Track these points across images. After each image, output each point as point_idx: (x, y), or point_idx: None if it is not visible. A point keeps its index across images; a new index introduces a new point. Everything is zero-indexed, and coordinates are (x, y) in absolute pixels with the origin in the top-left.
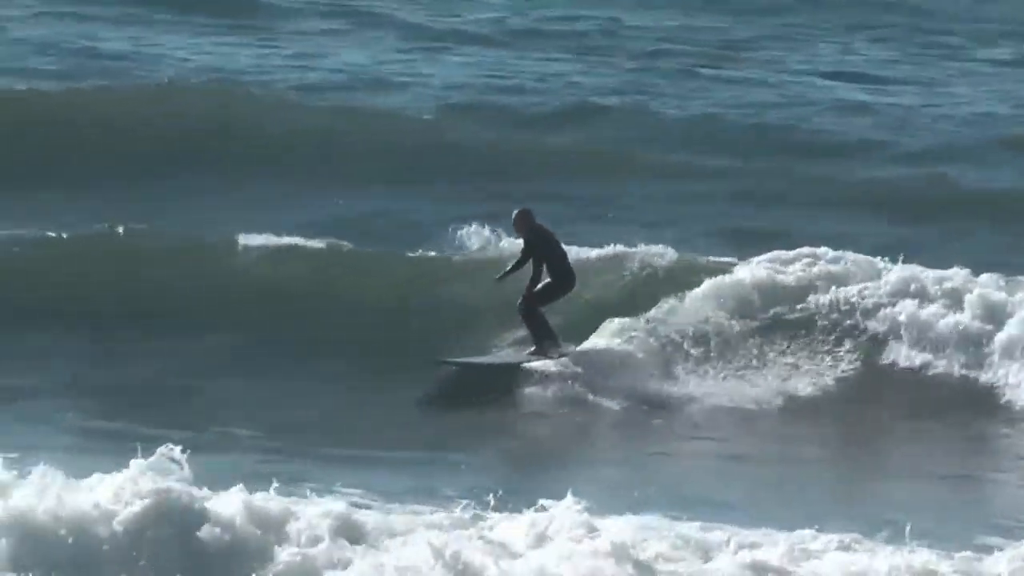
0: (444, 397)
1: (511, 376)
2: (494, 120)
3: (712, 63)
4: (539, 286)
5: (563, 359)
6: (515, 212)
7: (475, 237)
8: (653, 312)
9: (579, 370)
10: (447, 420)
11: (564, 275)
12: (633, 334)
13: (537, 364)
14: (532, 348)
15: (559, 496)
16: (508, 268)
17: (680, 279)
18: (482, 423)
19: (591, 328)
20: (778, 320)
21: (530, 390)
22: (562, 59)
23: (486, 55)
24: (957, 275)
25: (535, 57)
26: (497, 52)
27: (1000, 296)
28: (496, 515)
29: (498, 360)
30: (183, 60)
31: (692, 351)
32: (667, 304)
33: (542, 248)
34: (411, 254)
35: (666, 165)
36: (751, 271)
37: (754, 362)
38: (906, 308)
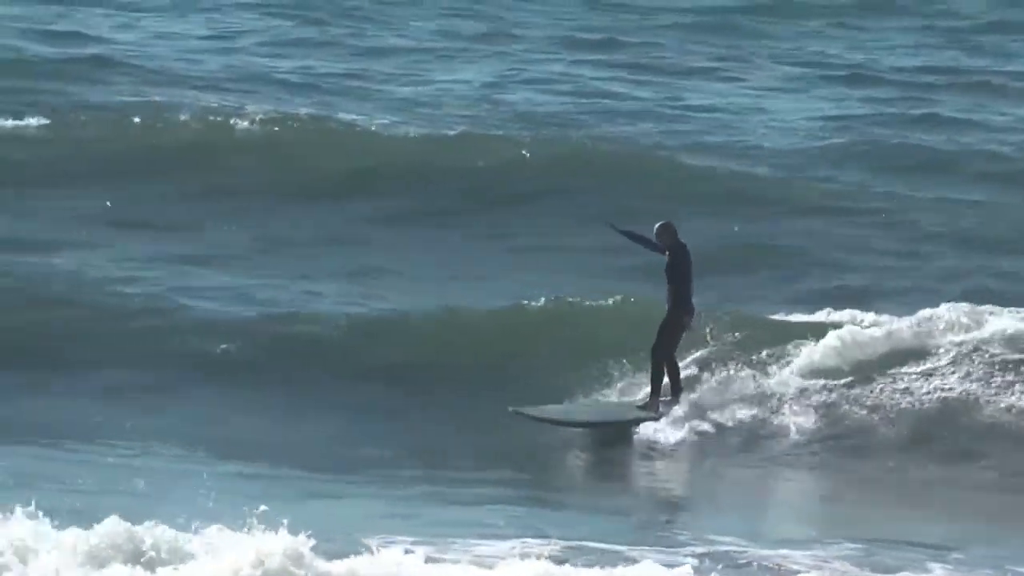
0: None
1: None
2: None
3: None
4: (660, 330)
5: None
6: (658, 224)
7: None
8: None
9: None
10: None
11: (684, 303)
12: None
13: (640, 417)
14: (641, 402)
15: None
16: (635, 233)
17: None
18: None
19: None
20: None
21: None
22: None
23: None
24: None
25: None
26: None
27: None
28: None
29: (598, 418)
30: None
31: None
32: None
33: (677, 267)
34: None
35: None
36: None
37: None
38: None
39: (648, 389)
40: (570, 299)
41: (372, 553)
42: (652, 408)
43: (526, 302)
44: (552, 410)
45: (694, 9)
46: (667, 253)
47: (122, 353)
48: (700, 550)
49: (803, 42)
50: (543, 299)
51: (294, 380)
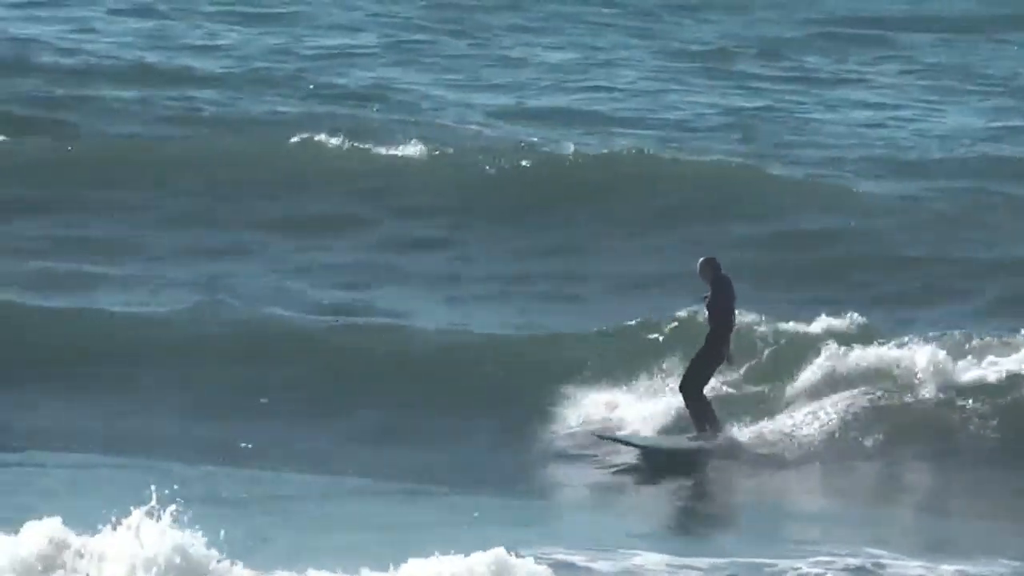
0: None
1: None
2: None
3: None
4: (693, 360)
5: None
6: (701, 259)
7: None
8: None
9: None
10: None
11: (721, 340)
12: None
13: (691, 446)
14: (693, 434)
15: None
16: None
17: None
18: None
19: None
20: None
21: None
22: None
23: None
24: None
25: None
26: None
27: None
28: None
29: (656, 443)
30: None
31: None
32: None
33: (716, 302)
34: None
35: None
36: None
37: None
38: None
39: (696, 425)
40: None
41: None
42: (703, 439)
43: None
44: (632, 436)
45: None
46: (709, 288)
47: None
48: (853, 562)
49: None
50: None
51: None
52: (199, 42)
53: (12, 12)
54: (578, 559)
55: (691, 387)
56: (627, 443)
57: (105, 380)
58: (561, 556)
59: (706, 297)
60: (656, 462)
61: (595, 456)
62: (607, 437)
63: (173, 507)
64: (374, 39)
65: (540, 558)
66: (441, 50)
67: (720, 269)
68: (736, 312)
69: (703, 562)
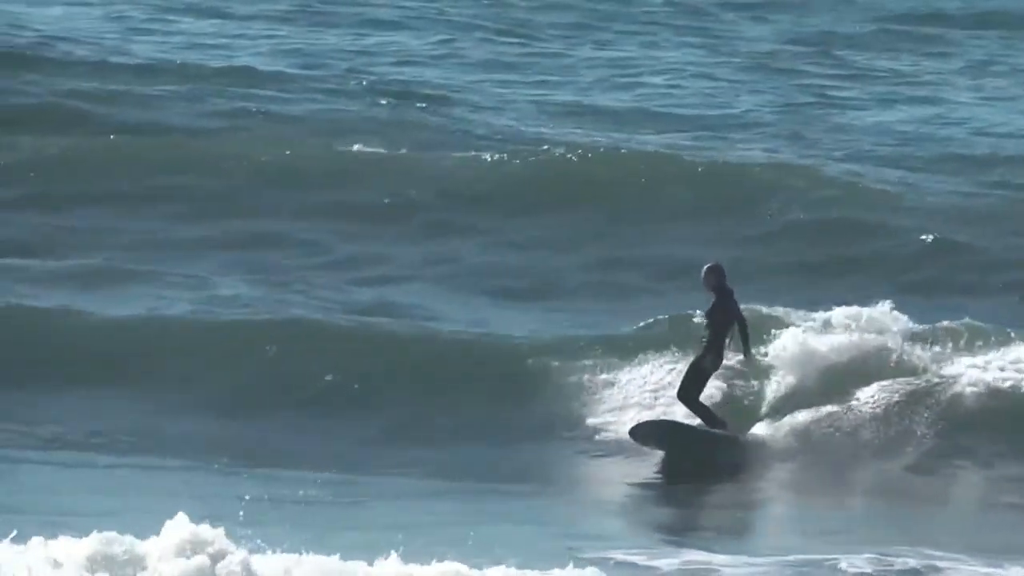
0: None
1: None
2: None
3: None
4: (690, 367)
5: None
6: (706, 266)
7: None
8: None
9: None
10: None
11: (717, 348)
12: None
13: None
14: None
15: None
16: (743, 348)
17: None
18: None
19: None
20: None
21: None
22: None
23: None
24: None
25: None
26: None
27: None
28: None
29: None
30: None
31: None
32: None
33: (716, 311)
34: None
35: None
36: None
37: None
38: None
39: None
40: None
41: None
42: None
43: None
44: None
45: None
46: (712, 296)
47: None
48: (911, 562)
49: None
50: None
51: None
52: (252, 40)
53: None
54: (638, 559)
55: (688, 396)
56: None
57: (125, 380)
58: (620, 556)
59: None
60: (686, 458)
61: (627, 456)
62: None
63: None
64: (425, 36)
65: (603, 560)
66: (491, 48)
67: (725, 278)
68: (734, 323)
69: (763, 560)
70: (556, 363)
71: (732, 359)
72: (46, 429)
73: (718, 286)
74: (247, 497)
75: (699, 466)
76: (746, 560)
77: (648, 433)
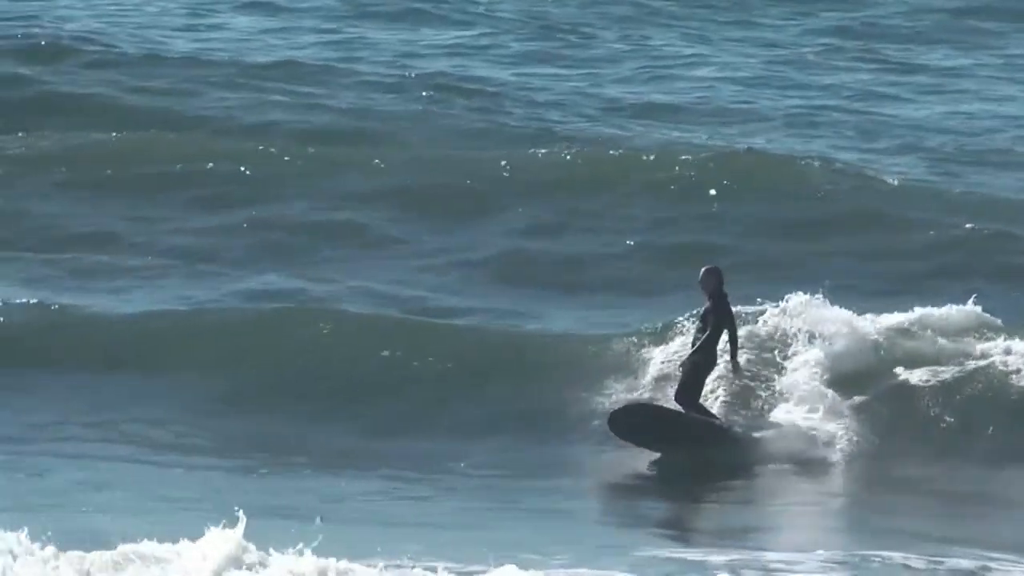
0: None
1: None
2: None
3: None
4: (687, 370)
5: None
6: (703, 269)
7: None
8: None
9: None
10: None
11: (713, 352)
12: None
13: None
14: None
15: None
16: (731, 352)
17: None
18: None
19: None
20: None
21: None
22: None
23: None
24: None
25: None
26: None
27: None
28: None
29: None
30: None
31: None
32: None
33: (717, 317)
34: None
35: None
36: None
37: None
38: None
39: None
40: None
41: None
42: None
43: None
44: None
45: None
46: (708, 299)
47: None
48: (964, 564)
49: None
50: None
51: None
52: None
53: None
54: (689, 555)
55: (687, 398)
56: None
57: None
58: (668, 553)
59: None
60: (675, 451)
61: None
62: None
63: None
64: (486, 33)
65: (665, 559)
66: (543, 43)
67: (722, 282)
68: (732, 327)
69: (810, 556)
70: (591, 354)
71: (720, 363)
72: (84, 422)
73: (716, 289)
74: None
75: (691, 460)
76: (797, 556)
77: (629, 420)
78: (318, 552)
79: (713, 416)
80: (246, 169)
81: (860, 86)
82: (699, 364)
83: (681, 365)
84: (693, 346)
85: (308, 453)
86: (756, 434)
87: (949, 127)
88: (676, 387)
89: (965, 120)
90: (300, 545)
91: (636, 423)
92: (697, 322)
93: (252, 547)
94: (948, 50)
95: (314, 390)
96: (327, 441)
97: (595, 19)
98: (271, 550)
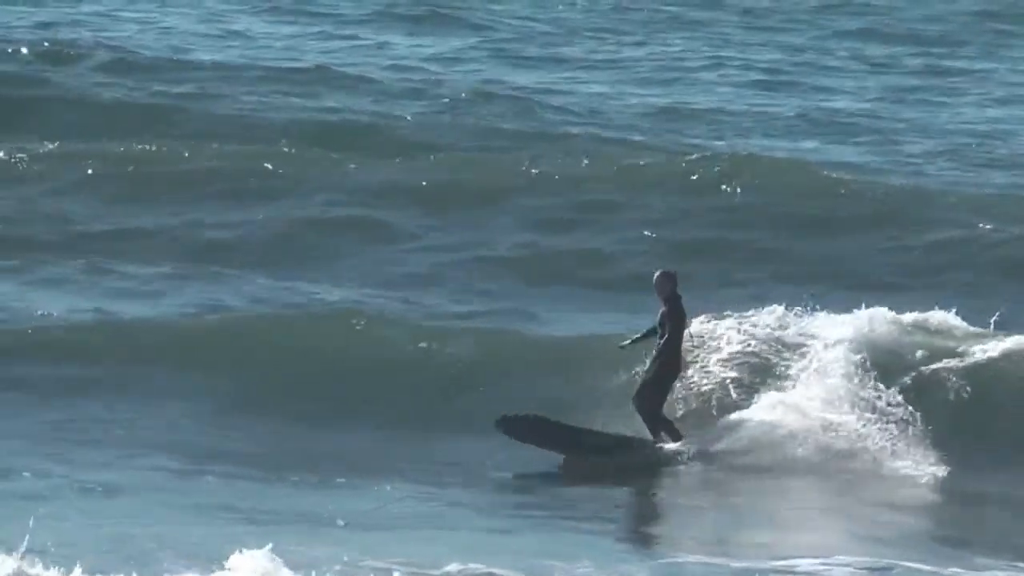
0: None
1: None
2: None
3: None
4: (650, 375)
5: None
6: (657, 273)
7: None
8: None
9: None
10: None
11: (677, 356)
12: None
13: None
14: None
15: None
16: (639, 335)
17: None
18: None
19: None
20: None
21: None
22: None
23: None
24: None
25: None
26: None
27: None
28: None
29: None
30: None
31: None
32: None
33: (673, 321)
34: None
35: None
36: None
37: None
38: None
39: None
40: None
41: None
42: (665, 440)
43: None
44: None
45: None
46: (664, 303)
47: None
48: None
49: None
50: None
51: None
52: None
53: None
54: (717, 560)
55: (649, 405)
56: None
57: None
58: (689, 558)
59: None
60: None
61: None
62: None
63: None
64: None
65: (672, 564)
66: (573, 48)
67: (677, 285)
68: (688, 329)
69: (852, 560)
70: (599, 358)
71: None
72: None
73: (671, 292)
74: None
75: (597, 466)
76: (819, 562)
77: (514, 427)
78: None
79: (672, 427)
80: (270, 168)
81: (883, 89)
82: (661, 371)
83: (646, 372)
84: (655, 353)
85: (334, 457)
86: (662, 444)
87: (974, 130)
88: (634, 392)
89: (990, 124)
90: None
91: (522, 432)
92: (658, 328)
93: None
94: (973, 51)
95: (339, 392)
96: (350, 444)
97: (618, 23)
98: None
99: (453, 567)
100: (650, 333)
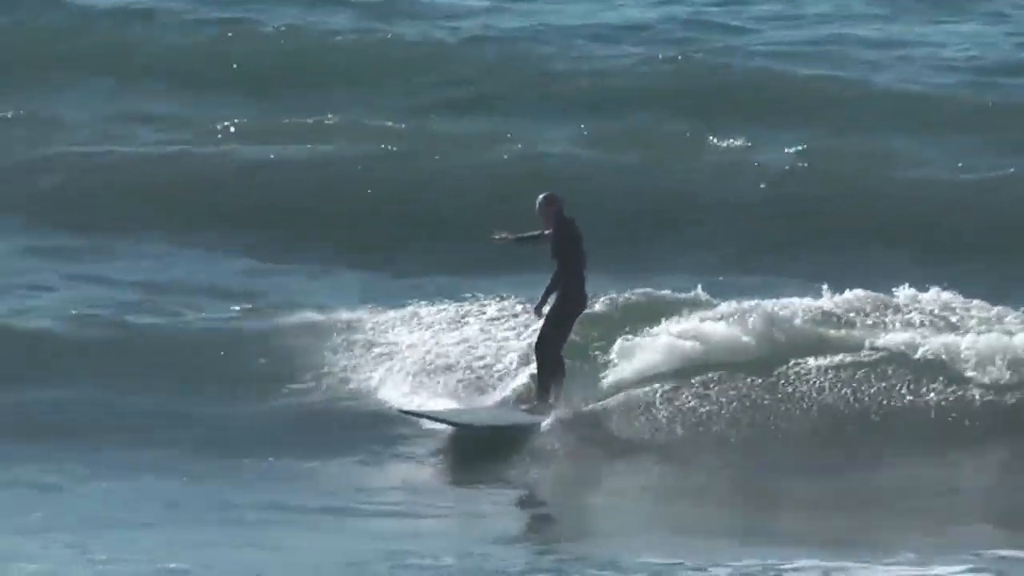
0: None
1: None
2: None
3: None
4: (548, 322)
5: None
6: (541, 196)
7: None
8: None
9: None
10: None
11: (579, 288)
12: None
13: (525, 420)
14: (528, 405)
15: None
16: (522, 236)
17: None
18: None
19: None
20: None
21: None
22: None
23: None
24: None
25: None
26: None
27: None
28: None
29: (477, 420)
30: None
31: None
32: None
33: (565, 247)
34: None
35: None
36: None
37: None
38: None
39: (536, 388)
40: None
41: None
42: (541, 410)
43: None
44: (441, 412)
45: None
46: (550, 230)
47: None
48: None
49: None
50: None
51: None
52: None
53: None
54: (751, 562)
55: (548, 346)
56: (440, 420)
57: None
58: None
59: (543, 234)
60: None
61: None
62: (415, 413)
63: None
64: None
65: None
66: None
67: (562, 209)
68: (585, 253)
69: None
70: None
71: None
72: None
73: (557, 215)
74: None
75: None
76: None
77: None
78: None
79: (559, 382)
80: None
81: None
82: (559, 307)
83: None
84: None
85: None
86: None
87: None
88: (535, 338)
89: None
90: None
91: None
92: (552, 258)
93: None
94: None
95: None
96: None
97: None
98: None
99: None
100: (529, 240)
